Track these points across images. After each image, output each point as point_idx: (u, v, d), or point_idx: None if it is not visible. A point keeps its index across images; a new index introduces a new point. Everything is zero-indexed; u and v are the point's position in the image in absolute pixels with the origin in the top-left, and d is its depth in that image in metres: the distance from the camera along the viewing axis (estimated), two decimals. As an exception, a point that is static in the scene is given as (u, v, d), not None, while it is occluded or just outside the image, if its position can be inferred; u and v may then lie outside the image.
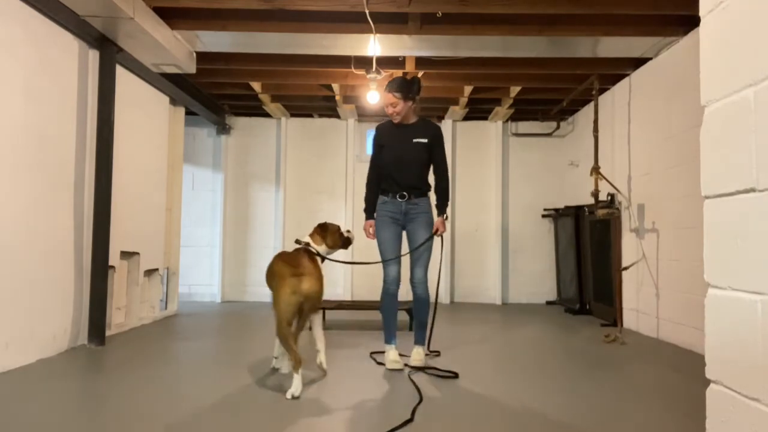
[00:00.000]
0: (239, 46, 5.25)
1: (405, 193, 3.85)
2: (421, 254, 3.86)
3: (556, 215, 7.61)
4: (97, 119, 4.50)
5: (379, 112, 7.72)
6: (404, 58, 5.61)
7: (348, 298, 7.69)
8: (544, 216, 7.91)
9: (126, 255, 5.31)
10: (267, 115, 7.87)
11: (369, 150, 7.88)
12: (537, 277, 7.94)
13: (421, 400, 2.94)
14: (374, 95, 5.92)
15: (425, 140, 3.86)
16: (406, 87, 3.80)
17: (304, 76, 6.23)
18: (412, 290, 3.92)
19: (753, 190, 1.44)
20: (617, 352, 4.47)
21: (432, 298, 3.93)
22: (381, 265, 3.88)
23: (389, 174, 3.89)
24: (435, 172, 3.95)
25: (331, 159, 8.03)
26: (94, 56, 4.55)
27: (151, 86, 5.71)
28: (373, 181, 3.98)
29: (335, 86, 6.53)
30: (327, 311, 6.12)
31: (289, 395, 2.97)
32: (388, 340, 3.92)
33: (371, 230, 3.92)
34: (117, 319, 5.14)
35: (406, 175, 3.86)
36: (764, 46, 1.41)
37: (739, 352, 1.49)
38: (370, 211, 3.97)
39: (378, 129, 4.03)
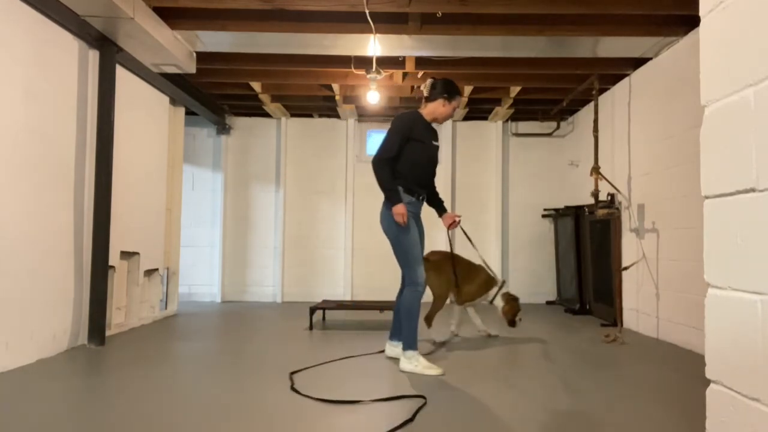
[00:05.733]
0: (239, 46, 5.25)
1: (424, 195, 3.88)
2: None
3: (556, 215, 7.61)
4: (97, 119, 4.50)
5: (380, 113, 7.73)
6: (404, 58, 5.61)
7: (348, 298, 7.70)
8: (544, 216, 7.91)
9: (126, 255, 5.31)
10: (267, 115, 7.87)
11: (369, 150, 7.86)
12: (537, 277, 7.94)
13: (424, 403, 2.94)
14: (374, 95, 5.91)
15: (438, 144, 3.94)
16: None
17: (304, 76, 6.23)
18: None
19: (753, 190, 1.44)
20: (617, 352, 4.46)
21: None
22: (402, 266, 3.74)
23: (419, 173, 3.76)
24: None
25: (331, 159, 8.02)
26: (94, 56, 4.55)
27: (151, 86, 5.70)
28: (392, 165, 3.67)
29: (335, 86, 6.52)
30: (327, 311, 6.14)
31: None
32: (416, 344, 3.71)
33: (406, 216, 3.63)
34: (117, 319, 5.15)
35: (432, 176, 3.93)
36: (764, 46, 1.41)
37: (739, 352, 1.49)
38: (398, 193, 3.65)
39: (414, 119, 3.77)
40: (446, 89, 3.78)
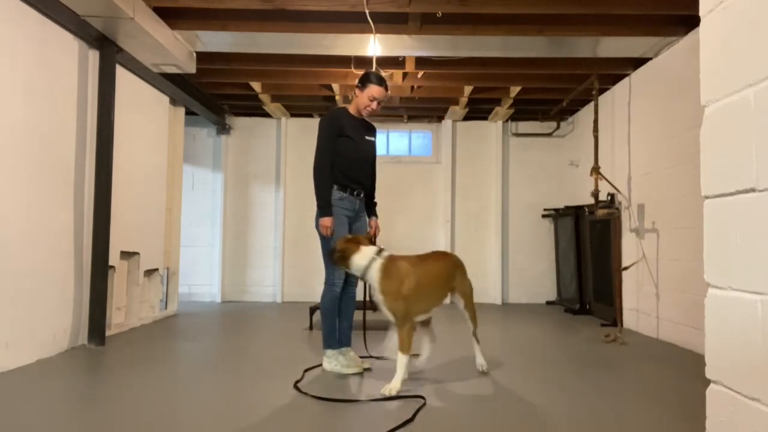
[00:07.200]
0: (239, 46, 5.25)
1: (361, 190, 3.78)
2: None
3: (556, 215, 7.61)
4: (97, 119, 4.50)
5: (380, 112, 7.71)
6: (404, 58, 5.61)
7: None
8: (544, 216, 7.91)
9: (126, 255, 5.31)
10: (267, 115, 7.87)
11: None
12: (537, 277, 7.94)
13: (424, 403, 2.94)
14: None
15: (374, 140, 3.87)
16: None
17: (304, 76, 6.23)
18: (348, 292, 3.82)
19: (753, 190, 1.44)
20: (617, 352, 4.46)
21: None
22: (325, 265, 3.70)
23: (350, 169, 3.69)
24: (372, 174, 3.88)
25: (331, 159, 8.02)
26: (94, 56, 4.55)
27: (151, 86, 5.70)
28: (330, 172, 3.66)
29: (335, 86, 6.52)
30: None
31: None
32: (334, 344, 3.72)
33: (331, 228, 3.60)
34: (117, 319, 5.15)
35: (365, 172, 3.80)
36: (764, 46, 1.41)
37: (738, 352, 1.49)
38: (330, 206, 3.63)
39: (338, 115, 3.73)
40: (360, 79, 3.73)
